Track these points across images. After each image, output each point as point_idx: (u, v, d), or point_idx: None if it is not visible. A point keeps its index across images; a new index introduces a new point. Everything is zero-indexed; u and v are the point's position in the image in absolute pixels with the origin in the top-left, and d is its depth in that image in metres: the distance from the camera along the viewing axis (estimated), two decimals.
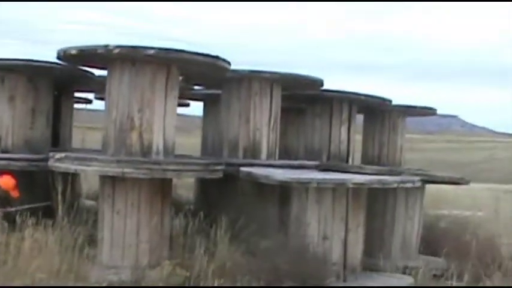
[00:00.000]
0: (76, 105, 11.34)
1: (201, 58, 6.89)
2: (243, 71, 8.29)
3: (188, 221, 7.45)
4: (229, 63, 7.34)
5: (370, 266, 7.62)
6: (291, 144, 10.94)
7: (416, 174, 8.07)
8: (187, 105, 12.46)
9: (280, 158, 10.01)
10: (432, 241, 8.85)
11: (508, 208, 14.48)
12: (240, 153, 8.42)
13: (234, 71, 8.05)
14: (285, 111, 10.58)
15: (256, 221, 7.33)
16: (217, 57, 7.04)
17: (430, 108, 10.81)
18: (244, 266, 6.25)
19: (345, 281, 6.83)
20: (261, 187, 7.44)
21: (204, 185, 9.09)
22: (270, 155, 8.50)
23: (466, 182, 8.88)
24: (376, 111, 10.36)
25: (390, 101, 9.98)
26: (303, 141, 10.07)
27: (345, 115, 9.55)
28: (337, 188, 6.66)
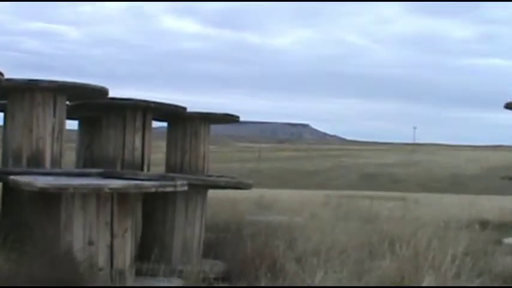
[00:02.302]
0: None
1: None
2: (22, 80, 8.28)
3: None
4: (1, 74, 7.33)
5: (150, 271, 7.74)
6: (97, 154, 10.97)
7: (193, 179, 8.28)
8: None
9: (86, 167, 10.05)
10: (223, 245, 9.05)
11: (328, 213, 14.91)
12: (24, 162, 8.40)
13: (11, 80, 8.07)
14: (90, 121, 10.66)
15: (36, 229, 7.34)
16: None
17: (232, 115, 11.05)
18: (4, 272, 6.24)
19: (113, 285, 6.91)
20: (45, 196, 7.42)
21: (3, 196, 8.99)
22: (54, 164, 8.51)
23: (246, 186, 9.14)
24: (178, 119, 10.51)
25: (184, 108, 10.17)
26: (102, 150, 10.12)
27: (138, 123, 9.64)
28: (100, 194, 6.75)
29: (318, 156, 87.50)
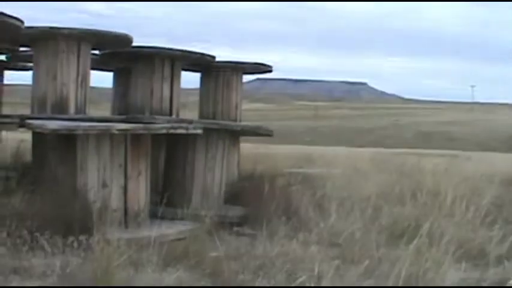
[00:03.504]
0: None
1: None
2: (45, 28, 8.37)
3: None
4: (21, 21, 7.38)
5: (169, 214, 7.82)
6: (130, 104, 11.06)
7: (209, 123, 8.32)
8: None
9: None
10: (247, 192, 9.04)
11: (370, 167, 14.72)
12: (48, 108, 8.51)
13: (34, 28, 8.17)
14: (124, 72, 10.75)
15: (56, 171, 7.46)
16: (3, 14, 7.07)
17: (264, 65, 10.99)
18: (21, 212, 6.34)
19: (126, 227, 7.01)
20: (64, 139, 7.51)
21: (34, 143, 9.13)
22: (78, 111, 8.61)
23: (265, 132, 9.13)
24: (211, 70, 10.53)
25: (213, 57, 10.17)
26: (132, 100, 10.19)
27: (166, 72, 9.67)
28: (114, 136, 6.83)
29: (374, 115, 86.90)
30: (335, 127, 75.75)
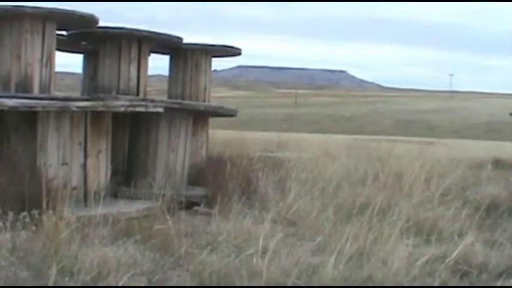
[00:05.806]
0: None
1: None
2: (8, 6, 8.33)
3: None
4: None
5: (132, 194, 7.86)
6: (98, 85, 11.07)
7: (170, 103, 8.33)
8: None
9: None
10: (211, 173, 9.08)
11: (342, 152, 14.72)
12: (12, 88, 8.48)
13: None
14: (94, 53, 10.75)
15: (17, 150, 7.47)
16: None
17: (233, 48, 11.03)
18: None
19: (86, 205, 7.03)
20: (25, 119, 7.52)
21: None
22: (43, 90, 8.58)
23: (227, 112, 9.16)
24: (180, 52, 10.55)
25: (180, 39, 10.19)
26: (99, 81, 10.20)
27: (134, 53, 9.68)
28: (74, 115, 6.84)
29: (354, 103, 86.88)
30: (315, 115, 75.72)
